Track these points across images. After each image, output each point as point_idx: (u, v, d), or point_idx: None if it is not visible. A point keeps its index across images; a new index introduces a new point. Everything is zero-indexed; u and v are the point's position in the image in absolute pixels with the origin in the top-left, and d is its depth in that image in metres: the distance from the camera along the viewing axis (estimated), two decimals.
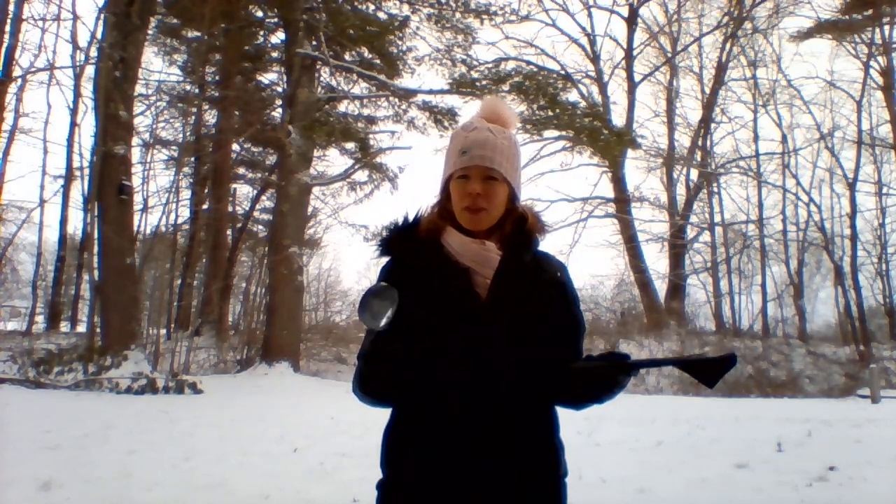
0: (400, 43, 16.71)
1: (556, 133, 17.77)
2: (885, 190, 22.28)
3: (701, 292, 24.48)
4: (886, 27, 21.16)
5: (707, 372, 1.19)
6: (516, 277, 1.34)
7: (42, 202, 21.86)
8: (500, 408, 1.27)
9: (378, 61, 16.95)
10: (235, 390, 11.33)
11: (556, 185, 49.74)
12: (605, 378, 1.25)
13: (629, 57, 24.07)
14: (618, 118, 22.62)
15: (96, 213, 12.04)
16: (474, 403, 1.26)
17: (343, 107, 17.50)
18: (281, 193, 15.33)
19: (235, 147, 19.76)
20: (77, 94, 19.17)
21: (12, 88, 16.13)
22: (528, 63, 20.75)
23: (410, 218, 1.43)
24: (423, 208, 1.45)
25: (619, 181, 23.13)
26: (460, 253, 1.35)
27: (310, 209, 17.49)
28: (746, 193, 24.77)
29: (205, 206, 19.54)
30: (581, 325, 1.41)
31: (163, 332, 16.24)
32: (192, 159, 19.38)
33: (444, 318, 1.29)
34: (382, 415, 1.37)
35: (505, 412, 1.27)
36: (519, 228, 1.39)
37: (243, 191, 22.77)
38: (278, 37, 17.80)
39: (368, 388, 1.33)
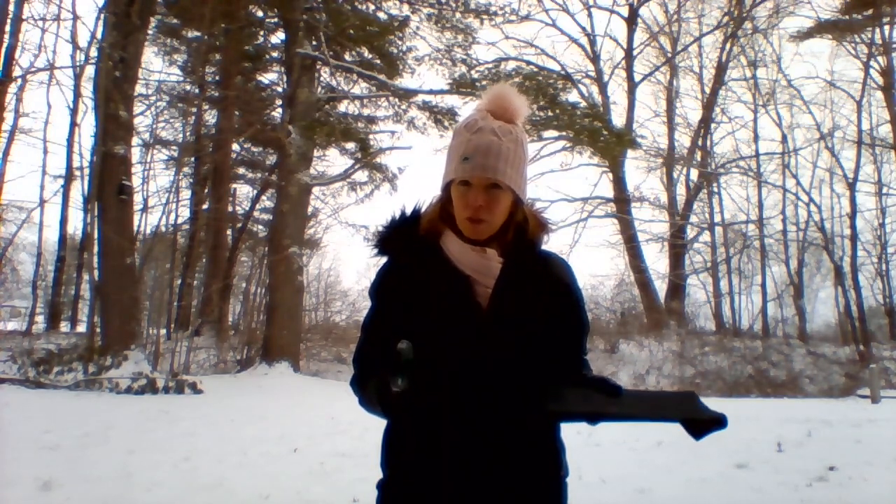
0: (400, 43, 16.72)
1: (556, 133, 17.76)
2: (885, 190, 22.28)
3: (701, 292, 24.53)
4: (886, 27, 21.16)
5: (697, 426, 1.18)
6: (517, 287, 1.31)
7: (42, 202, 21.92)
8: (500, 410, 1.26)
9: (378, 61, 16.94)
10: (235, 390, 11.31)
11: (556, 185, 50.06)
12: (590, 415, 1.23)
13: (629, 57, 24.08)
14: (618, 118, 22.67)
15: (96, 213, 12.02)
16: (474, 406, 1.25)
17: (343, 107, 17.51)
18: (281, 193, 15.32)
19: (235, 147, 19.75)
20: (77, 94, 19.15)
21: (12, 88, 16.11)
22: (529, 63, 20.75)
23: (409, 212, 1.39)
24: (422, 202, 1.40)
25: (619, 181, 23.14)
26: (460, 261, 1.31)
27: (310, 209, 17.50)
28: (746, 193, 24.85)
29: (205, 206, 19.55)
30: (585, 327, 1.40)
31: (163, 332, 16.23)
32: (192, 159, 19.37)
33: (443, 327, 1.27)
34: None
35: (504, 415, 1.26)
36: (521, 235, 1.35)
37: (243, 191, 22.81)
38: (278, 37, 17.81)
39: (366, 409, 1.35)
